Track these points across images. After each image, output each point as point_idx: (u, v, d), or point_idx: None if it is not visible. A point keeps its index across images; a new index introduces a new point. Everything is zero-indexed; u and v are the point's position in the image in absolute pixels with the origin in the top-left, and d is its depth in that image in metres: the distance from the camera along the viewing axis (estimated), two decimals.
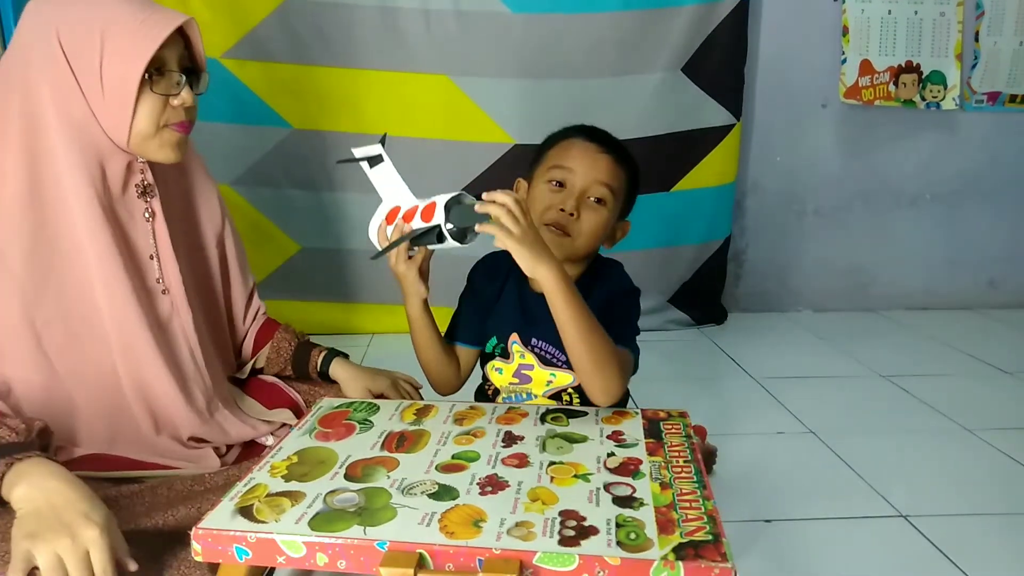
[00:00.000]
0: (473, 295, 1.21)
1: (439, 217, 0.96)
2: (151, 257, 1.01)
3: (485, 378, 1.20)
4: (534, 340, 1.13)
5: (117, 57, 0.89)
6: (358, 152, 1.06)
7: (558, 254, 0.99)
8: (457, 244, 0.98)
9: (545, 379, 1.13)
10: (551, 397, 1.14)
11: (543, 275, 0.94)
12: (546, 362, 1.13)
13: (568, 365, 1.07)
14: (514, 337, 1.14)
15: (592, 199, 1.09)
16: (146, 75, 0.90)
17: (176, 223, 1.05)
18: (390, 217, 1.05)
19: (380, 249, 1.05)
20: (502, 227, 0.91)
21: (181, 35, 0.95)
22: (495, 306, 1.17)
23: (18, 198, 0.90)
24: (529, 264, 0.94)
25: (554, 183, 1.10)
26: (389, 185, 1.05)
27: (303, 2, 2.17)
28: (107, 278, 0.95)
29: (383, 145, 1.06)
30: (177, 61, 0.94)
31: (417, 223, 0.99)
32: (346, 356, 1.23)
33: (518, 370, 1.15)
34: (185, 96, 0.94)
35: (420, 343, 1.15)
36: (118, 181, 0.97)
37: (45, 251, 0.92)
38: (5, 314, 0.91)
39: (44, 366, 0.93)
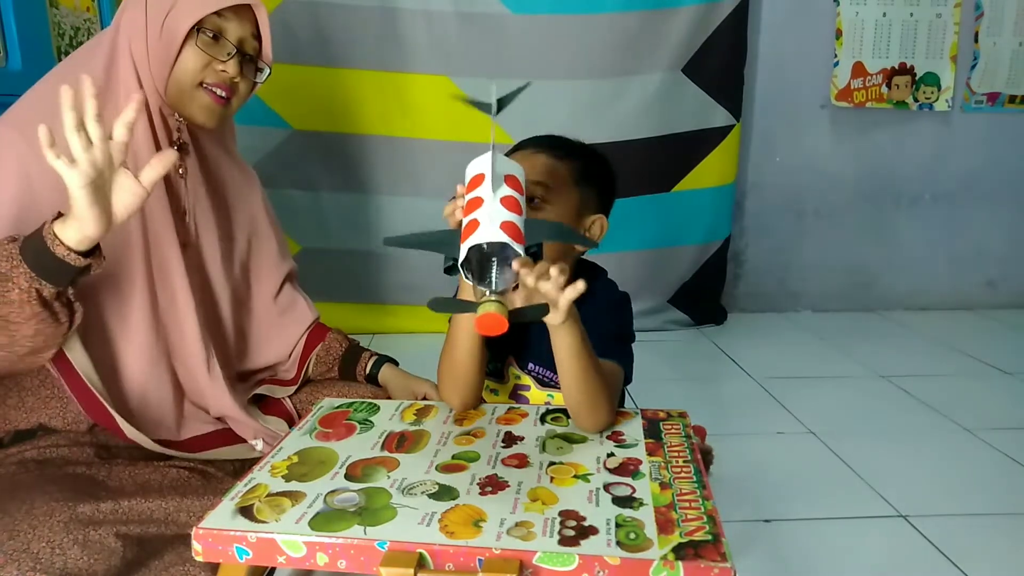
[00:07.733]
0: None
1: (462, 251, 0.79)
2: (180, 211, 1.06)
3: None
4: (531, 364, 1.11)
5: (183, 9, 0.96)
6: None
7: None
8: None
9: (543, 400, 1.12)
10: None
11: (569, 326, 0.90)
12: (543, 383, 1.11)
13: None
14: (510, 360, 1.12)
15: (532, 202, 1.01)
16: (195, 28, 0.96)
17: (208, 193, 1.10)
18: (471, 184, 0.87)
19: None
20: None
21: (255, 26, 1.01)
22: None
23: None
24: (561, 318, 0.88)
25: None
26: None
27: (303, 3, 2.18)
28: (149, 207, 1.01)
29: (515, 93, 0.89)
30: (238, 39, 0.99)
31: (468, 228, 0.80)
32: (396, 363, 1.27)
33: (514, 391, 1.13)
34: (231, 67, 0.99)
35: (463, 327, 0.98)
36: (160, 131, 1.02)
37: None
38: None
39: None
